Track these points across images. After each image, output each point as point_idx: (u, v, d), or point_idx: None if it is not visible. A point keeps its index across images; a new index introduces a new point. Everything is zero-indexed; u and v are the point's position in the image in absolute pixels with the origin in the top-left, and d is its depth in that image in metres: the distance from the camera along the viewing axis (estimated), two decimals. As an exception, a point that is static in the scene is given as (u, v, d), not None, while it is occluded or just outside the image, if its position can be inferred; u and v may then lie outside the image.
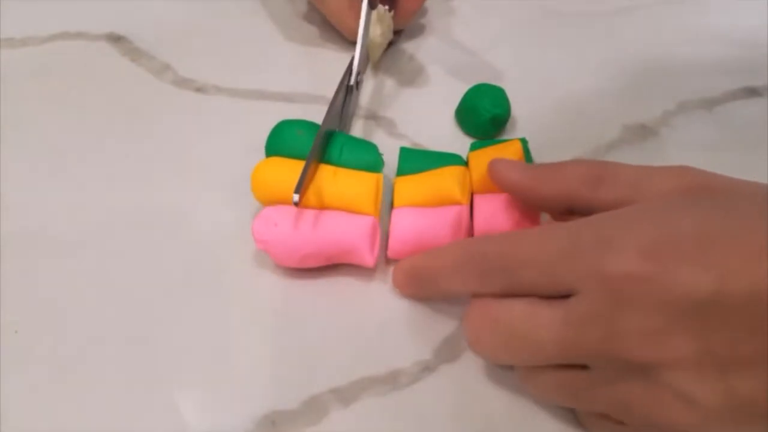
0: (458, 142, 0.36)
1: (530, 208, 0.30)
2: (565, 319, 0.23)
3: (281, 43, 0.42)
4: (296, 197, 0.29)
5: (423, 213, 0.30)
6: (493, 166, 0.29)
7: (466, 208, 0.30)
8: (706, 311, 0.21)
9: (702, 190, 0.24)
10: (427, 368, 0.28)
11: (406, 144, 0.36)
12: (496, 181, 0.29)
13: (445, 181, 0.31)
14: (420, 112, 0.38)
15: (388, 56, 0.41)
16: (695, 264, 0.21)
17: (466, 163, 0.33)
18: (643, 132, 0.37)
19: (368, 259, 0.30)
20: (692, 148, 0.37)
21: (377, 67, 0.40)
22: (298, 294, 0.30)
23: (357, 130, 0.37)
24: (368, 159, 0.32)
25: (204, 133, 0.37)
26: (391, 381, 0.28)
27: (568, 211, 0.27)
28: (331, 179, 0.31)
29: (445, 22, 0.44)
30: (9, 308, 0.30)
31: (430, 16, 0.44)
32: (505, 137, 0.37)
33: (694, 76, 0.40)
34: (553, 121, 0.38)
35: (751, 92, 0.40)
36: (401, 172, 0.32)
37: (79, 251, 0.32)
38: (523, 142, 0.32)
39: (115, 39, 0.41)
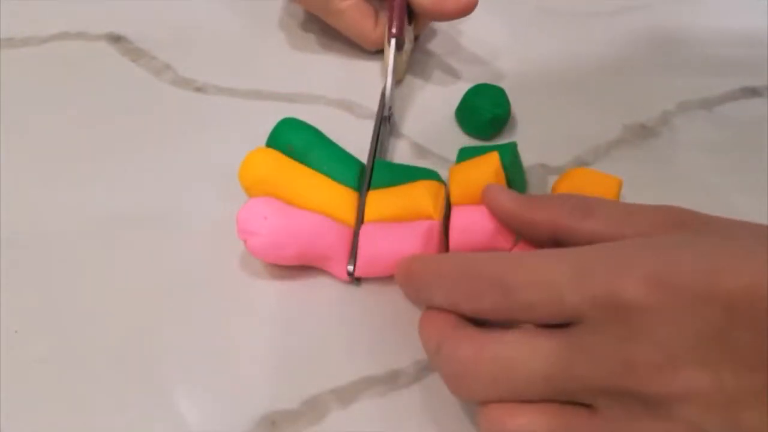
0: (458, 142, 0.36)
1: (515, 233, 0.29)
2: (571, 349, 0.22)
3: (281, 43, 0.42)
4: (350, 268, 0.30)
5: (393, 228, 0.30)
6: (486, 190, 0.29)
7: (437, 224, 0.30)
8: (716, 343, 0.21)
9: (692, 226, 0.24)
10: (426, 368, 0.28)
11: (406, 144, 0.36)
12: (488, 206, 0.29)
13: (418, 194, 0.30)
14: (420, 112, 0.38)
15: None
16: (704, 296, 0.21)
17: (441, 180, 0.32)
18: (643, 132, 0.37)
19: (339, 270, 0.30)
20: (692, 148, 0.37)
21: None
22: (299, 293, 0.30)
23: (357, 131, 0.37)
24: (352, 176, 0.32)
25: (204, 133, 0.37)
26: (391, 381, 0.28)
27: (552, 240, 0.27)
28: (321, 183, 0.31)
29: (445, 22, 0.43)
30: (9, 308, 0.30)
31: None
32: (505, 137, 0.37)
33: (694, 76, 0.40)
34: (553, 121, 0.38)
35: (751, 92, 0.40)
36: (374, 185, 0.32)
37: (78, 251, 0.32)
38: (512, 146, 0.32)
39: (115, 39, 0.41)
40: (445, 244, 0.30)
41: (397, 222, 0.30)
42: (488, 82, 0.37)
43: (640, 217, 0.25)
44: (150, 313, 0.30)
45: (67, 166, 0.35)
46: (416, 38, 0.42)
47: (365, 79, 0.39)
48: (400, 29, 0.37)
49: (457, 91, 0.37)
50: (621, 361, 0.21)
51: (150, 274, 0.31)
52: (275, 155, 0.32)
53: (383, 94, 0.37)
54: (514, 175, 0.32)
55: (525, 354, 0.23)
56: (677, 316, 0.21)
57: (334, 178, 0.32)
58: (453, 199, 0.31)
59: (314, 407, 0.27)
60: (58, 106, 0.38)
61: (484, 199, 0.29)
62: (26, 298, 0.30)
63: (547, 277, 0.23)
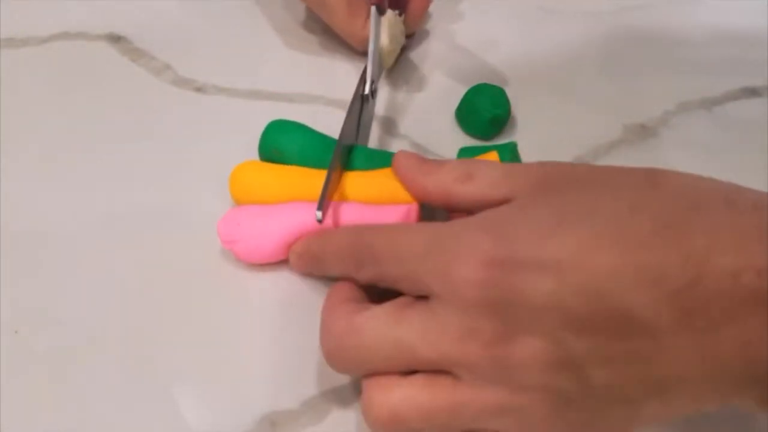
0: (458, 142, 0.36)
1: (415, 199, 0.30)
2: (426, 317, 0.23)
3: (281, 43, 0.42)
4: (319, 214, 0.29)
5: (373, 209, 0.30)
6: (396, 155, 0.30)
7: (416, 207, 0.30)
8: (552, 310, 0.21)
9: (559, 184, 0.25)
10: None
11: (406, 144, 0.36)
12: (394, 169, 0.30)
13: (396, 181, 0.30)
14: (420, 112, 0.38)
15: (388, 56, 0.41)
16: (533, 268, 0.21)
17: None
18: (643, 132, 0.37)
19: None
20: (692, 148, 0.37)
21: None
22: (299, 293, 0.30)
23: (357, 130, 0.37)
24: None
25: (204, 133, 0.37)
26: (391, 381, 0.28)
27: (445, 207, 0.28)
28: (306, 175, 0.31)
29: (444, 22, 0.44)
30: (9, 308, 0.30)
31: (430, 16, 0.44)
32: (505, 137, 0.37)
33: (694, 76, 0.40)
34: (553, 121, 0.38)
35: (751, 92, 0.40)
36: (354, 167, 0.32)
37: (78, 251, 0.32)
38: (512, 146, 0.32)
39: (115, 39, 0.41)
40: None
41: (377, 204, 0.30)
42: (488, 82, 0.37)
43: (516, 178, 0.26)
44: (150, 313, 0.30)
45: (67, 166, 0.35)
46: (410, 36, 0.42)
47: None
48: None
49: (457, 91, 0.37)
50: (466, 330, 0.22)
51: (150, 273, 0.31)
52: (259, 166, 0.32)
53: (364, 70, 0.36)
54: None
55: (391, 323, 0.24)
56: (509, 287, 0.22)
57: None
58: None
59: (314, 407, 0.27)
60: (58, 106, 0.38)
61: (393, 163, 0.30)
62: (26, 297, 0.30)
63: (404, 252, 0.24)
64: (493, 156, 0.31)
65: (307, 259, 0.29)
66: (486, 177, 0.26)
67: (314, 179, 0.31)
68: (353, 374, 0.26)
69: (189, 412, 0.27)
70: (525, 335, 0.22)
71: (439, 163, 0.28)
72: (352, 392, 0.27)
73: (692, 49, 0.42)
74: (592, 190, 0.24)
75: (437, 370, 0.23)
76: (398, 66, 0.41)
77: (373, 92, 0.36)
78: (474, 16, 0.44)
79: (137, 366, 0.28)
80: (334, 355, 0.25)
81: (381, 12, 0.37)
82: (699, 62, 0.41)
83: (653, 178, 0.24)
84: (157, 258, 0.31)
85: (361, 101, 0.35)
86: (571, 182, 0.25)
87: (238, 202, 0.32)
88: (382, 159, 0.32)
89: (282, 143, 0.33)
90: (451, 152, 0.34)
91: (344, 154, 0.32)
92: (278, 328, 0.29)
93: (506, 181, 0.26)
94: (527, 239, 0.22)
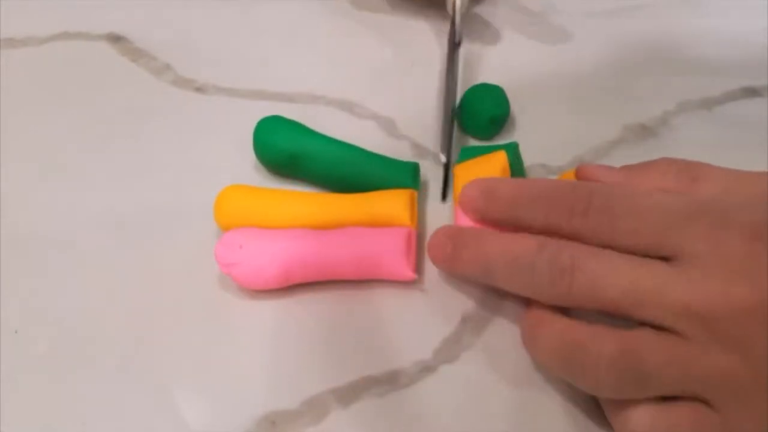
0: (458, 142, 0.36)
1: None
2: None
3: (282, 43, 0.42)
4: (443, 157, 0.30)
5: (371, 232, 0.29)
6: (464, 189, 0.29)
7: (415, 231, 0.30)
8: None
9: None
10: (426, 368, 0.28)
11: (407, 144, 0.36)
12: (462, 205, 0.29)
13: (394, 204, 0.30)
14: (420, 112, 0.38)
15: (388, 56, 0.41)
16: None
17: (415, 174, 0.33)
18: (643, 132, 0.37)
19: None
20: (692, 148, 0.36)
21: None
22: (299, 293, 0.30)
23: (357, 131, 0.37)
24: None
25: (204, 133, 0.37)
26: (391, 381, 0.28)
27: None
28: (294, 199, 0.31)
29: (444, 22, 0.44)
30: (9, 308, 0.30)
31: (430, 16, 0.44)
32: (505, 137, 0.37)
33: (694, 76, 0.40)
34: (553, 121, 0.38)
35: (751, 92, 0.40)
36: (347, 172, 0.33)
37: (78, 251, 0.32)
38: (513, 146, 0.32)
39: (115, 39, 0.42)
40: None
41: (374, 227, 0.30)
42: (488, 82, 0.37)
43: (746, 184, 0.26)
44: (150, 313, 0.30)
45: (67, 166, 0.35)
46: None
47: (365, 80, 0.39)
48: None
49: (458, 91, 0.37)
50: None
51: (150, 274, 0.31)
52: (243, 190, 0.32)
53: (453, 21, 0.36)
54: (514, 175, 0.32)
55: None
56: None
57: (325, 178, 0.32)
58: (458, 199, 0.31)
59: (314, 407, 0.27)
60: (58, 106, 0.38)
61: (461, 198, 0.29)
62: (26, 298, 0.30)
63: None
64: (501, 154, 0.31)
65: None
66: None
67: (307, 205, 0.31)
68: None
69: (189, 412, 0.27)
70: None
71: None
72: (352, 392, 0.27)
73: (692, 49, 0.42)
74: None
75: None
76: (398, 65, 0.41)
77: (459, 43, 0.37)
78: (474, 16, 0.44)
79: (137, 366, 0.28)
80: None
81: None
82: (699, 62, 0.41)
83: None
84: (157, 258, 0.31)
85: (452, 48, 0.35)
86: None
87: (225, 228, 0.31)
88: (372, 163, 0.33)
89: (293, 145, 0.33)
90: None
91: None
92: (279, 328, 0.29)
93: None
94: None
